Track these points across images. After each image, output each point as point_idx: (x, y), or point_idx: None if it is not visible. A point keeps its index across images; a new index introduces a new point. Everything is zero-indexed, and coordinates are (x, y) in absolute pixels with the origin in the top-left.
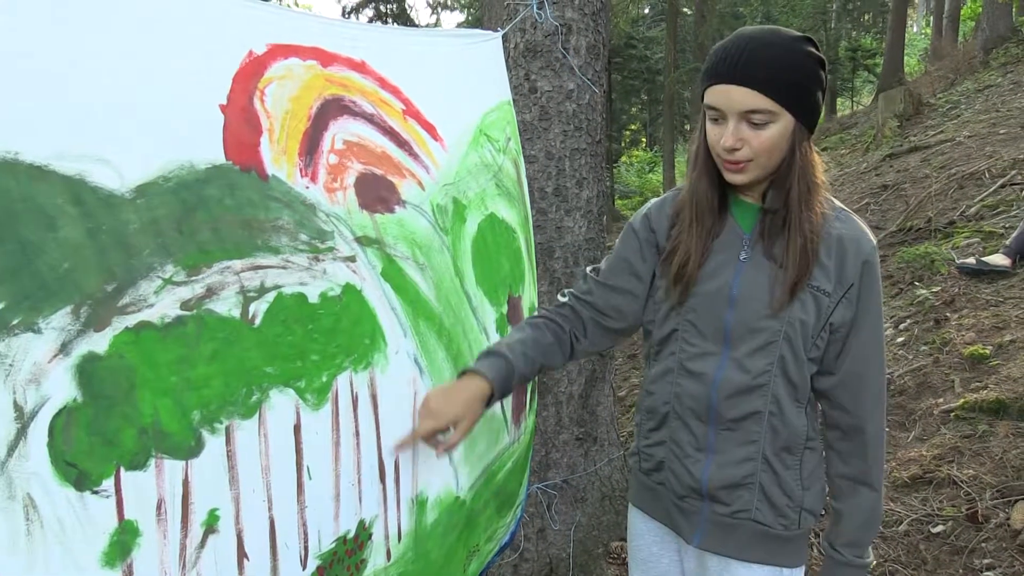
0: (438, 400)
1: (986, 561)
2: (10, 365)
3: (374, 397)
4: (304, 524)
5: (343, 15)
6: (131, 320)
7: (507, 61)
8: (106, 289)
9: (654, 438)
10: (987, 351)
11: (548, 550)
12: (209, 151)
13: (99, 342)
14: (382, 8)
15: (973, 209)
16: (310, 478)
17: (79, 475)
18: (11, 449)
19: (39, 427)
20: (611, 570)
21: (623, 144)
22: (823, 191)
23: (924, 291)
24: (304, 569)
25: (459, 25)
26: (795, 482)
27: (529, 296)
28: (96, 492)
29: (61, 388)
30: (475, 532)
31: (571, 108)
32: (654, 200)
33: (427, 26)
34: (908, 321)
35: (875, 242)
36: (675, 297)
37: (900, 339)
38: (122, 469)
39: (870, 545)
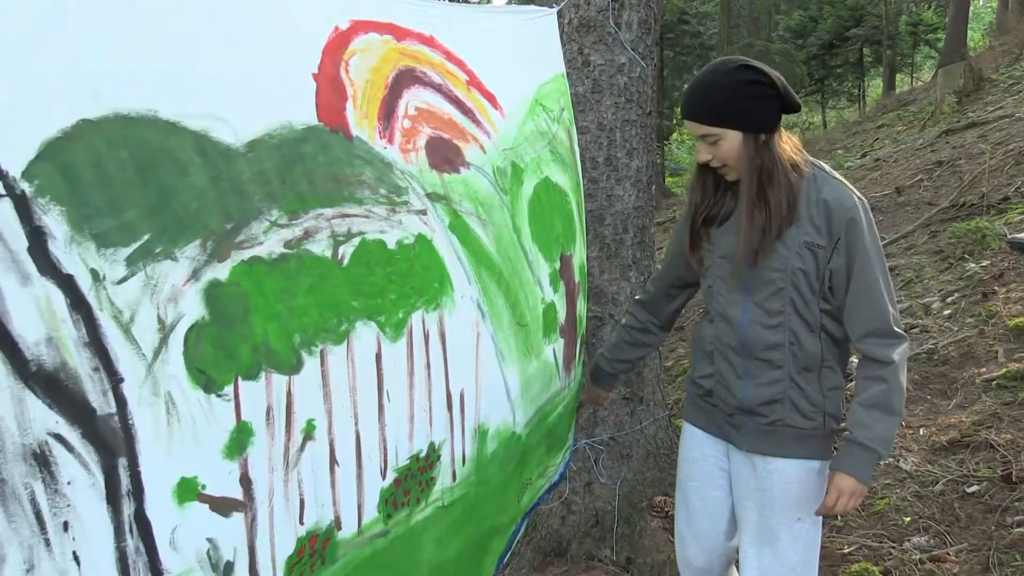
0: (587, 394)
1: (1017, 518)
2: (154, 286)
3: (443, 335)
4: (384, 440)
5: None
6: (246, 254)
7: (561, 36)
8: (226, 227)
9: (706, 371)
10: None
11: (595, 503)
12: (304, 114)
13: (221, 271)
14: None
15: None
16: (389, 401)
17: (207, 380)
18: (156, 354)
19: (177, 338)
20: (654, 522)
21: (675, 121)
22: (791, 170)
23: (973, 265)
24: (384, 480)
25: (509, 2)
26: (817, 393)
27: (580, 256)
28: (220, 396)
29: (193, 307)
30: (528, 466)
31: (622, 81)
32: None
33: (479, 2)
34: (956, 295)
35: (859, 198)
36: (698, 259)
37: (947, 312)
38: (239, 378)
39: (881, 436)
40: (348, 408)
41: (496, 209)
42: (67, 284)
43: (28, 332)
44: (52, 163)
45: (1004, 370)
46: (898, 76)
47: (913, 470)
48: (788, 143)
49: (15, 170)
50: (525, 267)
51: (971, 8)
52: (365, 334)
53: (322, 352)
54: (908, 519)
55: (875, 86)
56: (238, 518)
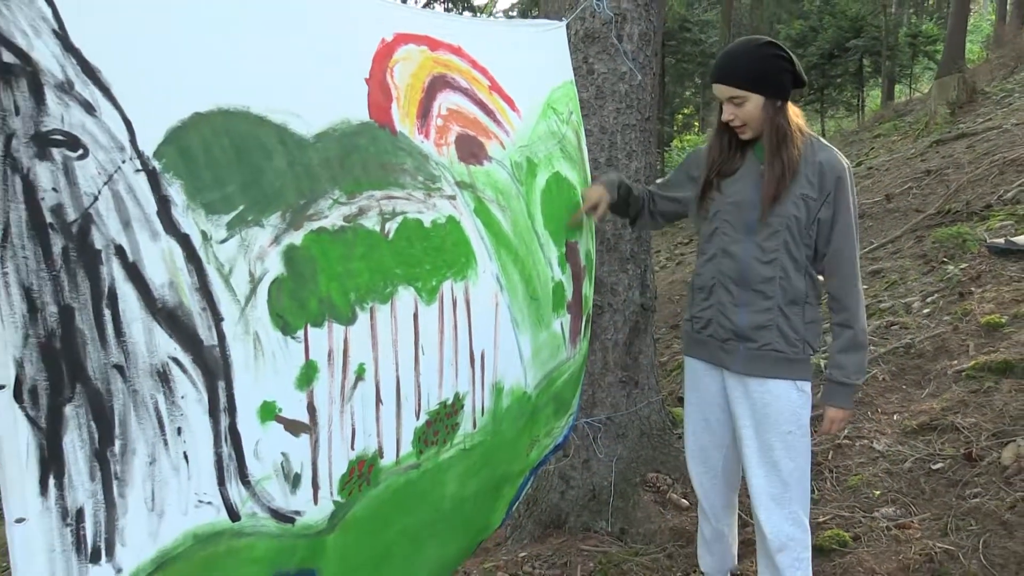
0: (590, 191)
1: (976, 491)
2: (247, 246)
3: (468, 302)
4: (419, 386)
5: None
6: (315, 225)
7: (569, 46)
8: (300, 203)
9: (704, 304)
10: (1003, 320)
11: (592, 479)
12: (359, 111)
13: (296, 237)
14: None
15: (1011, 193)
16: (423, 354)
17: (284, 324)
18: (247, 300)
19: (263, 289)
20: (647, 496)
21: (675, 128)
22: (799, 133)
23: (953, 268)
24: (418, 419)
25: (512, 7)
26: (800, 323)
27: (585, 244)
28: (294, 338)
29: (275, 265)
30: (537, 425)
31: (623, 88)
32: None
33: (480, 9)
34: (935, 295)
35: (847, 163)
36: (704, 206)
37: (926, 310)
38: (308, 325)
39: (855, 371)
40: (391, 357)
41: (513, 198)
42: (184, 241)
43: (156, 276)
44: (174, 146)
45: (973, 362)
46: (897, 87)
47: (885, 450)
48: (794, 112)
49: (148, 151)
50: (538, 249)
51: (971, 20)
52: (405, 296)
53: (371, 309)
54: (878, 492)
55: (874, 96)
56: (304, 438)
